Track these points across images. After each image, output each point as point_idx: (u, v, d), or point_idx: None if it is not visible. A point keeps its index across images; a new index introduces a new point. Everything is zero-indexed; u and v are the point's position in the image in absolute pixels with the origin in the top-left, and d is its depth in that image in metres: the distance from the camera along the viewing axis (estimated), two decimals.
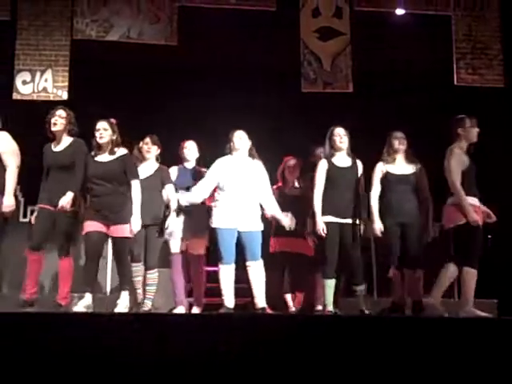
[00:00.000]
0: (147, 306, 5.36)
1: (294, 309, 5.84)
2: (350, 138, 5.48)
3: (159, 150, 5.61)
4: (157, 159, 5.61)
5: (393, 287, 5.47)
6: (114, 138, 5.29)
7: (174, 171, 5.73)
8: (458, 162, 5.21)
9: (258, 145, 5.50)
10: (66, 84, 7.06)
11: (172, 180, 5.60)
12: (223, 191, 5.32)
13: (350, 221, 5.32)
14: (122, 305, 5.23)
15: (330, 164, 5.42)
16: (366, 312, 5.25)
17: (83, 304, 5.09)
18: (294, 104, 7.44)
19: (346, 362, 3.77)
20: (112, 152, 5.26)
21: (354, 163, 5.47)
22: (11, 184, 5.12)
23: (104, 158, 5.26)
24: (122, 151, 5.30)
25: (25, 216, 6.69)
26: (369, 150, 6.07)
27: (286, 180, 5.99)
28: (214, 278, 5.85)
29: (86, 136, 5.34)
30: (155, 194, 5.45)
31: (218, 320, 4.46)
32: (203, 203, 5.59)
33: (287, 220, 5.40)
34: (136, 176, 5.29)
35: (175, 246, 5.59)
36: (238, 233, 5.25)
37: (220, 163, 5.39)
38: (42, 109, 5.49)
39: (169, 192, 5.50)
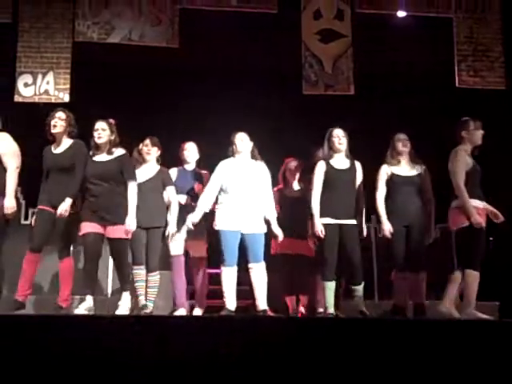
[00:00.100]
0: (149, 308, 5.35)
1: (303, 311, 5.81)
2: (350, 140, 5.48)
3: (159, 152, 5.61)
4: (157, 161, 5.61)
5: (394, 290, 5.46)
6: (112, 138, 5.31)
7: (173, 173, 5.73)
8: (461, 164, 5.20)
9: (259, 146, 5.50)
10: (68, 86, 7.06)
11: (173, 182, 5.60)
12: (226, 193, 5.32)
13: (349, 222, 5.31)
14: (124, 306, 5.24)
15: (328, 166, 5.42)
16: (364, 311, 5.24)
17: (84, 307, 5.09)
18: (295, 106, 7.44)
19: (348, 365, 3.77)
20: (110, 152, 5.27)
21: (353, 165, 5.46)
22: (12, 185, 5.13)
23: (102, 157, 5.27)
24: (119, 151, 5.30)
25: (26, 218, 6.69)
26: (370, 151, 6.08)
27: (286, 181, 5.99)
28: (214, 280, 5.86)
29: (87, 138, 5.35)
30: (157, 196, 5.45)
31: (219, 322, 4.45)
32: None
33: (279, 234, 5.36)
34: (133, 177, 5.28)
35: (175, 248, 5.59)
36: (241, 235, 5.24)
37: (223, 166, 5.39)
38: (43, 111, 5.48)
39: (170, 194, 5.50)
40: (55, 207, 5.14)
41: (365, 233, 5.43)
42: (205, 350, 3.69)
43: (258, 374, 3.69)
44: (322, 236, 5.29)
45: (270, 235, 5.71)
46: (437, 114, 7.61)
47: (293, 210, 5.64)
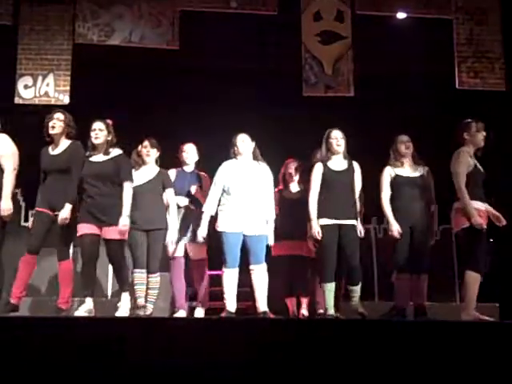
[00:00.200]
0: (149, 309, 5.34)
1: (305, 313, 5.81)
2: (348, 141, 5.48)
3: (158, 153, 5.60)
4: (156, 162, 5.60)
5: (395, 291, 5.46)
6: (110, 138, 5.31)
7: (172, 174, 5.72)
8: (462, 165, 5.20)
9: (259, 148, 5.50)
10: (68, 88, 7.06)
11: (173, 184, 5.59)
12: (229, 195, 5.32)
13: (348, 222, 5.30)
14: (123, 308, 5.24)
15: (326, 168, 5.41)
16: (362, 312, 5.23)
17: (84, 308, 5.09)
18: (295, 107, 7.44)
19: (348, 366, 3.76)
20: (107, 152, 5.27)
21: (350, 165, 5.45)
22: (8, 187, 5.12)
23: (98, 158, 5.27)
24: (116, 151, 5.30)
25: (26, 220, 6.70)
26: (370, 153, 6.08)
27: (286, 183, 5.99)
28: (214, 281, 5.86)
29: (86, 139, 5.35)
30: (157, 198, 5.45)
31: (220, 324, 4.45)
32: (201, 208, 5.60)
33: (270, 239, 5.36)
34: (128, 177, 5.27)
35: (175, 250, 5.58)
36: (244, 236, 5.24)
37: (225, 167, 5.39)
38: (43, 113, 5.48)
39: (169, 196, 5.49)
40: (53, 209, 5.14)
41: (362, 233, 5.43)
42: (205, 351, 3.69)
43: (259, 375, 3.68)
44: (319, 238, 5.29)
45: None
46: (437, 116, 7.62)
47: (292, 211, 5.64)
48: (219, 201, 5.37)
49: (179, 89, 7.62)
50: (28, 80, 7.05)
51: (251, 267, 5.26)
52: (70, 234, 5.23)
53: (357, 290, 5.31)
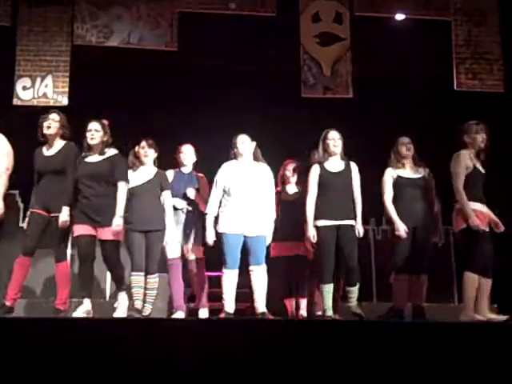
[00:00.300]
0: (147, 310, 5.33)
1: (305, 314, 5.80)
2: (346, 142, 5.47)
3: (156, 154, 5.59)
4: (154, 163, 5.59)
5: (394, 291, 5.45)
6: (105, 139, 5.30)
7: (170, 175, 5.71)
8: (460, 167, 5.22)
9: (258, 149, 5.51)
10: (66, 89, 7.06)
11: (170, 186, 5.57)
12: (229, 196, 5.32)
13: (346, 222, 5.29)
14: (121, 308, 5.23)
15: (323, 169, 5.41)
16: (359, 313, 5.22)
17: (82, 310, 5.10)
18: (293, 109, 7.44)
19: (346, 368, 3.76)
20: (102, 153, 5.27)
21: (348, 166, 5.45)
22: (0, 187, 5.10)
23: (93, 158, 5.28)
24: (111, 151, 5.31)
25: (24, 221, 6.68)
26: (369, 154, 6.09)
27: (284, 184, 5.98)
28: (211, 282, 5.86)
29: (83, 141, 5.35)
30: (155, 199, 5.43)
31: (218, 325, 4.45)
32: (198, 209, 5.60)
33: (268, 239, 5.37)
34: (123, 177, 5.27)
35: (172, 251, 5.58)
36: (244, 237, 5.24)
37: (225, 168, 5.39)
38: (42, 114, 5.48)
39: (166, 198, 5.48)
40: (48, 210, 5.13)
41: (361, 233, 5.40)
42: (203, 352, 3.68)
43: (257, 376, 3.68)
44: (313, 241, 5.29)
45: None
46: (435, 117, 7.62)
47: (289, 212, 5.64)
48: (220, 202, 5.37)
49: (178, 90, 7.63)
50: (26, 81, 7.05)
51: (251, 268, 5.26)
52: (66, 235, 5.23)
53: (354, 290, 5.30)
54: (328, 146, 5.47)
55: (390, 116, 7.67)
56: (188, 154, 5.83)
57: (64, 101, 7.05)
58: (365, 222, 5.50)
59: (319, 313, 5.58)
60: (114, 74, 7.48)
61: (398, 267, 5.38)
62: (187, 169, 5.84)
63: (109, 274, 6.49)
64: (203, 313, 5.68)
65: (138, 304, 5.25)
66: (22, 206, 6.69)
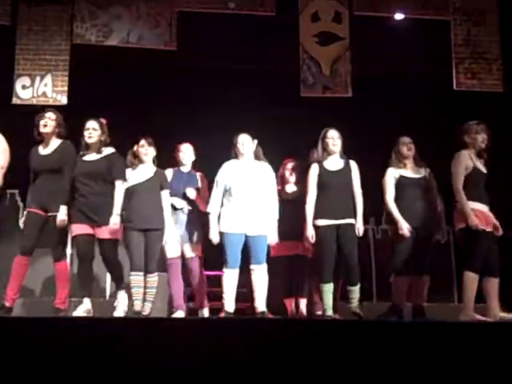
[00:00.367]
0: (147, 309, 5.33)
1: (304, 313, 5.81)
2: (345, 141, 5.47)
3: (155, 152, 5.59)
4: (153, 162, 5.58)
5: (393, 290, 5.45)
6: (103, 138, 5.30)
7: (169, 174, 5.70)
8: (459, 166, 5.22)
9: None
10: (66, 89, 7.06)
11: (169, 185, 5.56)
12: (230, 195, 5.31)
13: (346, 221, 5.29)
14: (121, 307, 5.23)
15: (322, 168, 5.41)
16: (358, 313, 5.21)
17: (82, 309, 5.09)
18: (293, 108, 7.44)
19: (346, 367, 3.76)
20: (99, 151, 5.26)
21: (347, 164, 5.45)
22: None
23: (91, 157, 5.28)
24: (109, 150, 5.31)
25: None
26: (368, 154, 6.09)
27: (284, 183, 5.98)
28: (212, 282, 5.86)
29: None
30: (154, 197, 5.41)
31: (218, 324, 4.45)
32: (197, 208, 5.60)
33: (273, 239, 5.36)
34: (120, 176, 5.27)
35: (171, 251, 5.58)
36: (245, 237, 5.24)
37: (226, 168, 5.39)
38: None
39: (164, 197, 5.47)
40: (45, 209, 5.12)
41: (361, 232, 5.39)
42: (203, 352, 3.68)
43: (257, 376, 3.68)
44: (312, 242, 5.29)
45: None
46: (435, 117, 7.63)
47: (290, 211, 5.63)
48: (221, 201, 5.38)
49: (177, 89, 7.63)
50: (26, 80, 7.04)
51: (251, 267, 5.26)
52: (64, 235, 5.23)
53: (355, 290, 5.28)
54: (327, 144, 5.46)
55: (389, 115, 7.68)
56: (187, 153, 5.81)
57: (63, 100, 7.05)
58: (364, 221, 5.49)
59: (319, 312, 5.58)
60: (113, 73, 7.48)
61: (398, 268, 5.37)
62: (186, 168, 5.82)
63: (109, 274, 6.51)
64: (203, 313, 5.67)
65: (137, 305, 5.25)
66: (21, 205, 6.70)
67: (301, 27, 7.43)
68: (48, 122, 5.26)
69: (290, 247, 5.71)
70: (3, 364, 3.57)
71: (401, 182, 5.49)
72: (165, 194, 5.48)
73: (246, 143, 5.40)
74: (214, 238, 5.29)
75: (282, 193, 5.91)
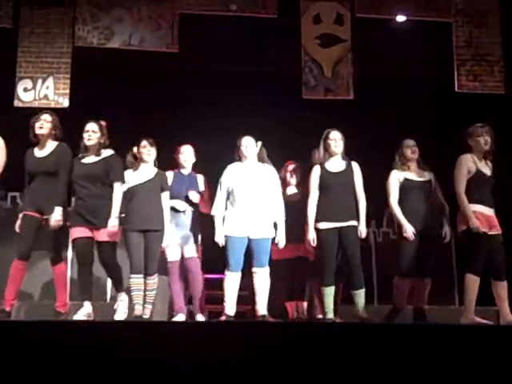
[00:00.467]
0: (147, 311, 5.32)
1: (305, 316, 5.80)
2: (347, 143, 5.47)
3: (156, 153, 5.57)
4: (154, 163, 5.56)
5: (395, 291, 5.44)
6: (102, 140, 5.28)
7: (169, 176, 5.69)
8: (461, 169, 5.22)
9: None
10: (68, 91, 7.06)
11: (169, 187, 5.55)
12: (234, 198, 5.30)
13: (348, 223, 5.28)
14: (121, 309, 5.22)
15: (323, 170, 5.40)
16: (364, 317, 5.18)
17: (83, 312, 5.08)
18: (294, 110, 7.44)
19: (347, 370, 3.76)
20: (98, 154, 5.25)
21: (349, 166, 5.44)
22: None
23: (89, 159, 5.26)
24: (107, 152, 5.29)
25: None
26: (370, 156, 6.08)
27: (285, 185, 5.97)
28: (212, 285, 5.85)
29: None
30: (155, 198, 5.40)
31: (219, 327, 4.45)
32: (197, 210, 5.60)
33: (281, 242, 5.31)
34: (119, 178, 5.25)
35: (172, 253, 5.57)
36: (248, 240, 5.22)
37: (230, 170, 5.38)
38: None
39: (164, 199, 5.46)
40: (41, 212, 5.12)
41: (364, 234, 5.37)
42: (204, 355, 3.68)
43: (258, 379, 3.68)
44: (313, 245, 5.29)
45: (272, 240, 5.70)
46: (436, 119, 7.62)
47: (292, 213, 5.62)
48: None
49: (178, 92, 7.63)
50: (28, 83, 7.05)
51: (254, 270, 5.25)
52: (61, 238, 5.22)
53: (360, 294, 5.23)
54: (329, 146, 5.46)
55: (391, 118, 7.67)
56: (187, 155, 5.80)
57: (65, 102, 7.05)
58: (366, 223, 5.48)
59: (320, 316, 5.57)
60: (114, 75, 7.48)
61: (403, 271, 5.36)
62: (187, 170, 5.81)
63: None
64: (198, 319, 5.60)
65: (138, 309, 5.24)
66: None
67: (302, 29, 7.43)
68: (44, 124, 5.24)
69: (292, 250, 5.69)
70: (4, 368, 3.58)
71: (405, 185, 5.48)
72: (165, 195, 5.47)
73: (249, 145, 5.39)
74: (220, 240, 5.26)
75: (283, 195, 5.90)
